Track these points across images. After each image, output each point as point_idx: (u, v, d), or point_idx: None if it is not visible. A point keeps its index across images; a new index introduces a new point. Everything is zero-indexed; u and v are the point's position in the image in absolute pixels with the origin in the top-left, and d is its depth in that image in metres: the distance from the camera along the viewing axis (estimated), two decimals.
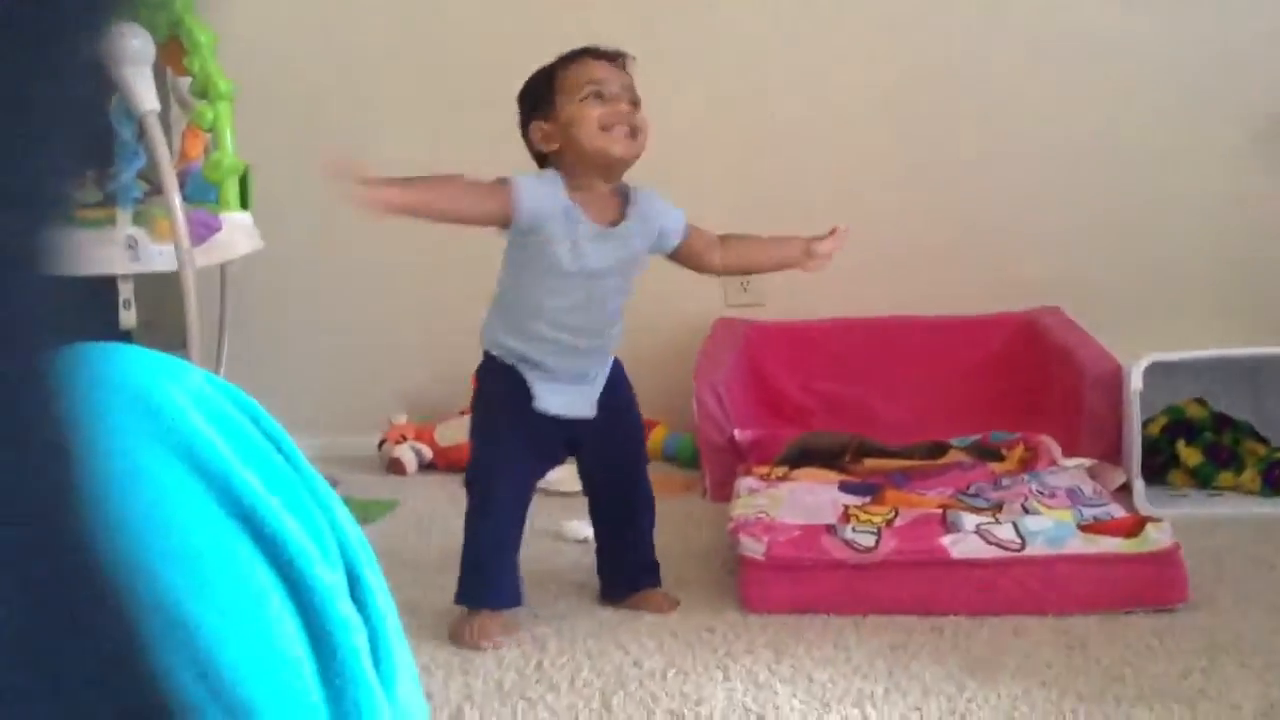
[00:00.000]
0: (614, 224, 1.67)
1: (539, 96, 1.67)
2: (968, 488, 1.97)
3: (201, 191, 2.09)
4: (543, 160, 1.69)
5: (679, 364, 2.71)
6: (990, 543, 1.66)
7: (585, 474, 1.80)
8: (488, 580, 1.68)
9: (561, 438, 1.72)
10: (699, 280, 2.80)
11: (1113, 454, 2.18)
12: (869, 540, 1.68)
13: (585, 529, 2.11)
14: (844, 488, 1.98)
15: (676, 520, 2.24)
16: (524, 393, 1.67)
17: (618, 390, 1.76)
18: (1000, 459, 2.16)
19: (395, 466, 2.68)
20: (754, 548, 1.70)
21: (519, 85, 2.86)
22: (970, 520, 1.72)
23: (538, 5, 2.73)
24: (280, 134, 2.70)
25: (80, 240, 1.94)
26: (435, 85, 2.78)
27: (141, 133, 1.90)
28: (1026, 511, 1.77)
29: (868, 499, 1.92)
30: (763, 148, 2.72)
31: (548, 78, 1.67)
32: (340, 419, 2.83)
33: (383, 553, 1.77)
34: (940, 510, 1.78)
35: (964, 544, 1.67)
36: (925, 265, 2.70)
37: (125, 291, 1.97)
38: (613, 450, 1.76)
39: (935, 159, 2.70)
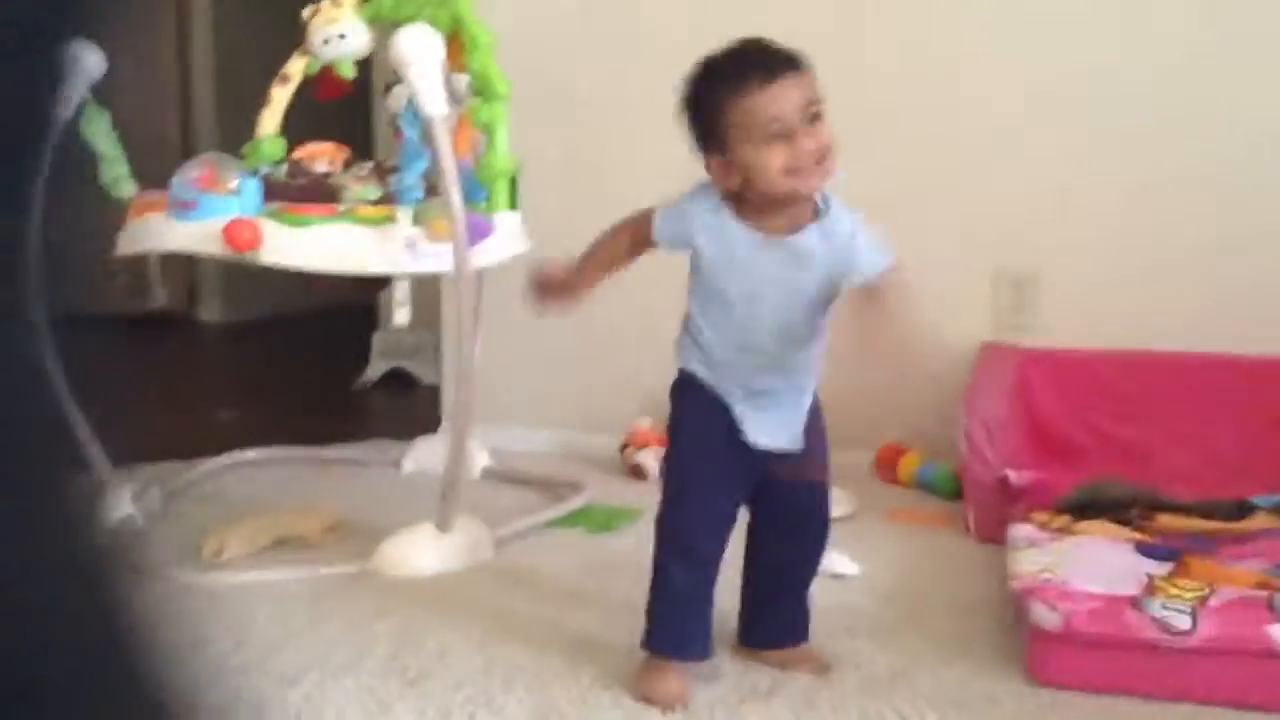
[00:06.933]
0: (789, 232, 1.49)
1: (708, 128, 1.47)
2: None
3: (472, 191, 2.08)
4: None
5: (935, 388, 2.56)
6: None
7: (758, 512, 1.61)
8: (677, 628, 1.55)
9: (758, 473, 1.55)
10: (963, 299, 2.65)
11: None
12: (1184, 622, 1.51)
13: (847, 564, 2.01)
14: (1141, 549, 1.80)
15: (939, 560, 2.11)
16: (725, 419, 1.53)
17: (812, 422, 1.58)
18: None
19: (636, 472, 2.63)
20: (1049, 618, 1.55)
21: None
22: None
23: None
24: (538, 131, 2.68)
25: (361, 238, 1.96)
26: None
27: (427, 135, 1.89)
28: None
29: (1169, 565, 1.74)
30: (1080, 149, 2.52)
31: (714, 108, 1.46)
32: (584, 417, 2.82)
33: (625, 564, 1.73)
34: (1264, 592, 1.59)
35: None
36: (1235, 294, 2.43)
37: (401, 290, 1.98)
38: (794, 488, 1.58)
39: (1243, 170, 2.43)
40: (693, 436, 1.56)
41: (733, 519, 1.57)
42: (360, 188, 2.09)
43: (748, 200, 1.49)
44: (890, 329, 1.46)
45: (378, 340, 3.76)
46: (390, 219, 1.96)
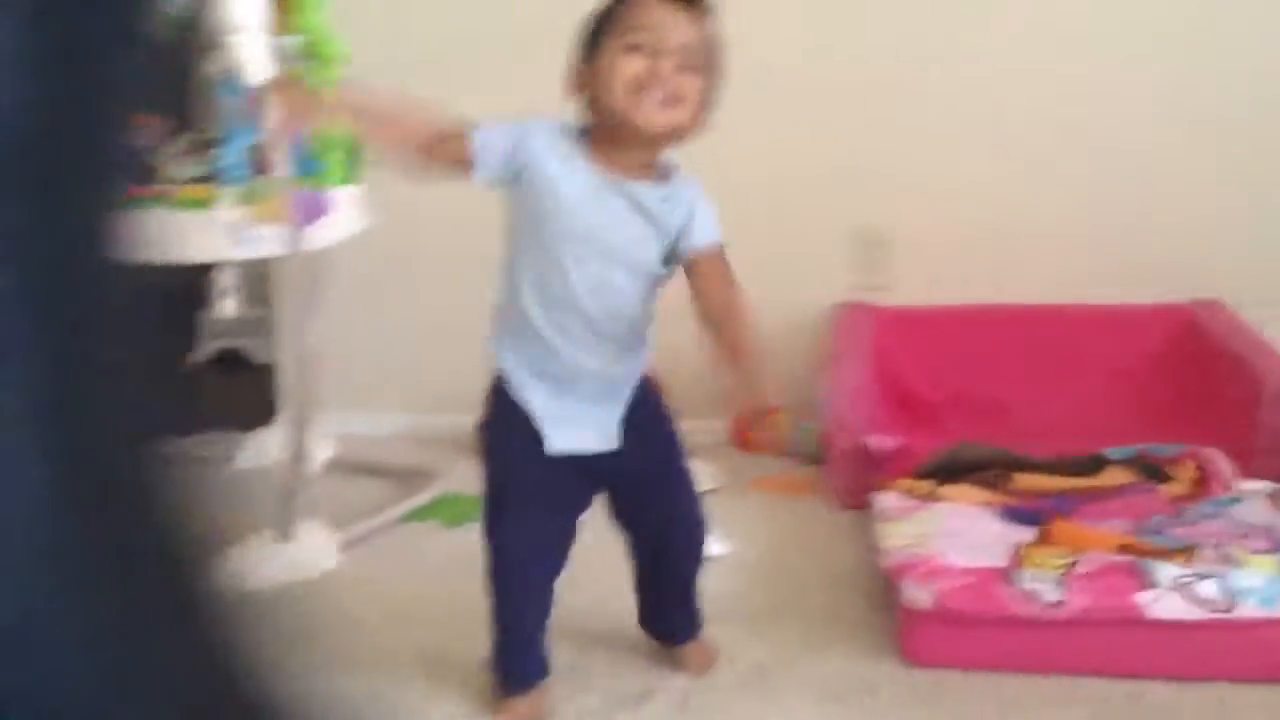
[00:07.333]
0: (631, 180, 1.38)
1: (589, 34, 1.39)
2: (1147, 519, 1.78)
3: (307, 166, 1.91)
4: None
5: (792, 348, 2.53)
6: (1192, 602, 1.49)
7: (618, 512, 1.53)
8: (517, 662, 1.49)
9: (582, 479, 1.46)
10: (819, 258, 2.62)
11: None
12: (1054, 594, 1.51)
13: (716, 544, 1.95)
14: (1005, 514, 1.80)
15: (807, 531, 2.08)
16: (530, 430, 1.42)
17: (646, 409, 1.48)
18: (1165, 478, 1.96)
19: None
20: (920, 597, 1.53)
21: None
22: (1166, 572, 1.53)
23: None
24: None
25: (179, 224, 1.78)
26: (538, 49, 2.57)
27: (249, 105, 1.72)
28: (1228, 561, 1.59)
29: (1034, 529, 1.75)
30: (906, 113, 2.50)
31: (606, 13, 1.39)
32: (434, 397, 2.68)
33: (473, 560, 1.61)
34: (1128, 557, 1.60)
35: (1163, 603, 1.49)
36: (1074, 247, 2.46)
37: (228, 277, 1.81)
38: (644, 485, 1.50)
39: (1087, 128, 2.46)
40: (501, 454, 1.46)
41: (565, 533, 1.47)
42: (179, 166, 1.90)
43: (596, 137, 1.39)
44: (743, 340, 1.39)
45: (205, 319, 3.51)
46: (213, 200, 1.79)
